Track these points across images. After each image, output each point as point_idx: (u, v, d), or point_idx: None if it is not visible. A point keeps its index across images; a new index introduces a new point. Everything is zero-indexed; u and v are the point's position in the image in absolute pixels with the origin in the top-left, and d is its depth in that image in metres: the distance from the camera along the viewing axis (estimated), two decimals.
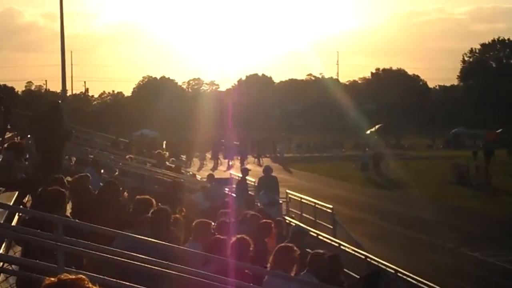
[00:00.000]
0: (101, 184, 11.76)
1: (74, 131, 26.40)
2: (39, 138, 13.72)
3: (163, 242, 6.31)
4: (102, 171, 16.33)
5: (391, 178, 39.14)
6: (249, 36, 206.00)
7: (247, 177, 19.78)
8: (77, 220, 7.02)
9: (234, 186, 21.35)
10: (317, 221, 19.06)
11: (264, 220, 10.63)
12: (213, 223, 8.95)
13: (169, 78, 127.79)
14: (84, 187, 9.83)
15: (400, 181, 36.46)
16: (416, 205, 26.95)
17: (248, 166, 30.98)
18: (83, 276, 2.90)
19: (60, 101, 14.67)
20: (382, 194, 32.28)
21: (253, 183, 21.22)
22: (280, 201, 19.31)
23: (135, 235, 6.39)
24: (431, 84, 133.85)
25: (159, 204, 7.76)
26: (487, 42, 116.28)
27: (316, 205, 19.63)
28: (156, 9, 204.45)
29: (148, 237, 6.33)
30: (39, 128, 13.85)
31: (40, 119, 14.38)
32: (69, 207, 8.85)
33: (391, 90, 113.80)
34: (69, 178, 11.22)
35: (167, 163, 23.55)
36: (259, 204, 17.19)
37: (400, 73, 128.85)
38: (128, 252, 5.61)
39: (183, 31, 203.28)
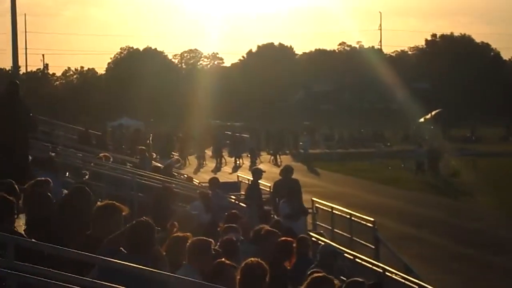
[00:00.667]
0: (64, 191, 11.76)
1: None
2: None
3: (147, 268, 6.28)
4: (67, 174, 16.35)
5: (453, 182, 38.99)
6: None
7: (259, 181, 19.75)
8: (33, 240, 7.01)
9: (243, 192, 21.37)
10: (354, 238, 19.01)
11: (284, 238, 10.62)
12: (214, 242, 8.93)
13: (155, 49, 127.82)
14: (43, 196, 9.82)
15: (465, 185, 36.32)
16: (487, 217, 26.82)
17: (261, 166, 31.01)
18: None
19: (17, 81, 14.64)
20: (441, 203, 32.16)
21: (268, 189, 21.19)
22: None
23: (110, 259, 6.37)
24: (506, 55, 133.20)
25: (144, 218, 7.72)
26: None
27: (353, 218, 19.58)
28: None
29: (124, 260, 6.31)
30: None
31: None
32: (22, 222, 8.85)
33: (452, 64, 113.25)
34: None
35: (154, 163, 23.59)
36: (276, 216, 17.17)
37: (464, 40, 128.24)
38: (99, 282, 5.59)
39: None
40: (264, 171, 21.44)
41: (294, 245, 10.40)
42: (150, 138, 48.47)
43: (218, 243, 9.61)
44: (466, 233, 24.43)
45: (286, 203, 17.47)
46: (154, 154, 31.65)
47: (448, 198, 34.16)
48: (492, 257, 20.25)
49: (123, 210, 7.93)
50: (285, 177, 18.92)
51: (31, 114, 14.96)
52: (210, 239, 8.41)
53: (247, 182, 22.89)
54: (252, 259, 7.61)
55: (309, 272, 9.17)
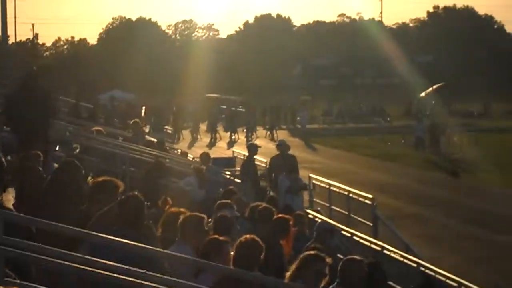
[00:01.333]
0: (55, 165, 11.76)
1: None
2: (14, 121, 14.27)
3: (139, 244, 6.32)
4: (57, 147, 16.34)
5: (455, 158, 39.04)
6: None
7: (255, 157, 19.79)
8: (22, 215, 7.03)
9: (238, 168, 21.42)
10: (352, 216, 19.06)
11: (280, 215, 10.66)
12: (209, 219, 8.95)
13: (149, 20, 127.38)
14: (32, 170, 9.83)
15: (467, 162, 36.36)
16: (491, 195, 26.87)
17: (257, 142, 30.93)
18: None
19: (35, 68, 15.21)
20: (442, 180, 32.22)
21: (264, 165, 21.22)
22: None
23: (99, 234, 6.39)
24: (510, 28, 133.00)
25: (133, 193, 7.75)
26: None
27: (351, 195, 19.61)
28: None
29: (114, 236, 6.34)
30: (12, 107, 14.34)
31: (13, 95, 14.76)
32: (11, 196, 8.86)
33: (455, 36, 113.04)
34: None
35: (146, 136, 23.59)
36: (271, 193, 17.25)
37: (468, 12, 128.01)
38: (91, 258, 5.62)
39: None
40: (260, 146, 21.50)
41: (291, 222, 10.43)
42: (143, 112, 48.48)
43: (212, 220, 9.65)
44: (468, 211, 24.47)
45: (286, 176, 17.55)
46: (146, 128, 31.61)
47: (449, 175, 34.21)
48: (497, 236, 20.31)
49: (119, 187, 7.98)
50: (281, 153, 18.98)
51: (51, 98, 15.28)
52: (203, 215, 8.44)
53: (242, 157, 22.93)
54: (247, 236, 7.64)
55: (304, 249, 9.23)
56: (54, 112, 15.90)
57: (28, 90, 14.03)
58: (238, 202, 12.13)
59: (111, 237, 6.29)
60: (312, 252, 8.11)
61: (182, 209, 8.93)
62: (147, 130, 31.49)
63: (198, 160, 20.21)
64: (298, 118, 58.37)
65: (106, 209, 7.33)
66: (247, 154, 20.39)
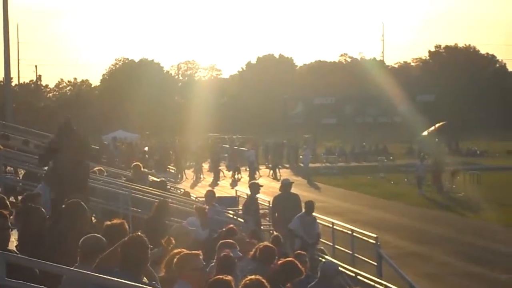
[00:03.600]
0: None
1: (28, 136, 26.60)
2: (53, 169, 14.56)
3: (140, 285, 6.27)
4: None
5: (457, 197, 38.97)
6: (260, 3, 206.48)
7: (258, 195, 19.77)
8: (24, 257, 6.99)
9: (241, 207, 21.38)
10: (356, 255, 18.98)
11: (288, 259, 10.60)
12: (212, 260, 8.91)
13: (152, 61, 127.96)
14: (35, 211, 9.81)
15: (470, 200, 36.27)
16: (493, 234, 26.78)
17: (260, 180, 30.92)
18: None
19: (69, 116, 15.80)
20: (445, 219, 32.12)
21: (267, 204, 21.18)
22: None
23: (101, 276, 6.36)
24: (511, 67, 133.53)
25: (137, 233, 7.72)
26: None
27: (354, 234, 19.56)
28: None
29: (117, 278, 6.31)
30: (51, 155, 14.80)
31: (51, 144, 15.25)
32: (14, 238, 8.84)
33: (457, 76, 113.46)
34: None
35: (150, 177, 23.58)
36: (275, 232, 17.18)
37: (469, 51, 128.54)
38: None
39: None
40: (262, 186, 21.47)
41: (298, 265, 10.37)
42: (146, 152, 48.58)
43: (215, 259, 9.59)
44: (472, 250, 24.37)
45: (301, 219, 17.45)
46: (146, 169, 31.55)
47: (452, 213, 34.13)
48: (500, 275, 20.22)
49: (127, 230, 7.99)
50: (284, 192, 18.95)
51: (87, 145, 15.96)
52: (197, 252, 8.37)
53: (245, 197, 22.90)
54: (252, 276, 7.58)
55: None
56: (89, 154, 16.35)
57: (66, 138, 14.40)
58: (240, 242, 12.07)
59: (114, 279, 6.25)
60: None
61: (185, 250, 8.88)
62: (151, 170, 31.43)
63: (202, 199, 20.15)
64: (301, 156, 58.47)
65: (110, 250, 7.29)
66: (249, 193, 20.37)
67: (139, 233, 7.43)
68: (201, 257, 8.21)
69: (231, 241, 11.49)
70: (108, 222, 8.46)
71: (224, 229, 9.86)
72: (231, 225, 13.23)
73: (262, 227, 20.59)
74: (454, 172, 44.28)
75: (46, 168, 15.56)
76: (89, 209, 11.63)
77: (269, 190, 25.04)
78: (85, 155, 15.23)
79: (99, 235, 7.98)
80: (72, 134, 14.70)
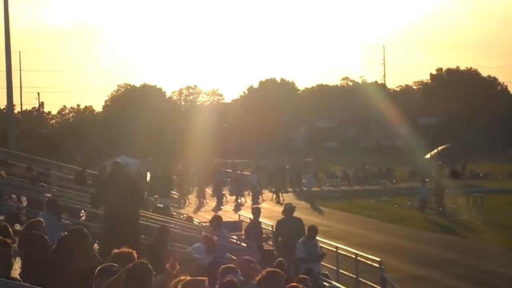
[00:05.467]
0: (62, 233, 11.75)
1: (32, 164, 26.62)
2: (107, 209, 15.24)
3: None
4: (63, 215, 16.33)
5: (460, 219, 38.88)
6: (261, 28, 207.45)
7: (261, 219, 19.77)
8: (27, 285, 6.97)
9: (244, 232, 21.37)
10: (360, 279, 18.92)
11: (292, 285, 10.57)
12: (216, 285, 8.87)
13: (154, 86, 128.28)
14: (38, 238, 9.80)
15: (473, 223, 36.20)
16: (497, 256, 26.68)
17: (264, 205, 30.87)
18: None
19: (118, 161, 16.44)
20: (449, 241, 32.03)
21: (270, 229, 21.15)
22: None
23: None
24: None
25: (141, 260, 7.70)
26: None
27: (358, 258, 19.50)
28: None
29: None
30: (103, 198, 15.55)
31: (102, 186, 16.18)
32: (17, 265, 8.82)
33: (459, 98, 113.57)
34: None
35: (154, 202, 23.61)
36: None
37: (471, 74, 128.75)
38: None
39: (172, 22, 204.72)
40: (261, 209, 21.55)
41: None
42: (148, 177, 48.54)
43: (218, 285, 9.56)
44: (476, 272, 24.28)
45: (303, 242, 17.44)
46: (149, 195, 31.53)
47: (456, 236, 34.03)
48: None
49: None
50: (287, 216, 18.93)
51: (138, 188, 16.30)
52: (203, 278, 8.35)
53: (248, 221, 22.89)
54: None
55: None
56: (142, 201, 16.74)
57: (117, 181, 15.11)
58: (244, 266, 12.02)
59: None
60: None
61: (188, 276, 8.85)
62: (154, 196, 31.39)
63: (206, 224, 20.11)
64: (304, 180, 58.43)
65: (114, 277, 7.27)
66: (252, 217, 20.42)
67: (144, 260, 7.42)
68: (206, 283, 8.19)
69: (232, 265, 11.46)
70: (117, 250, 8.44)
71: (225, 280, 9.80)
72: (230, 279, 13.12)
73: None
74: (455, 195, 44.25)
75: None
76: (92, 236, 11.61)
77: (272, 214, 25.04)
78: (137, 197, 15.64)
79: (113, 264, 7.97)
80: (123, 177, 15.44)
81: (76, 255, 8.90)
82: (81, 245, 9.20)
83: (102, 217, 15.85)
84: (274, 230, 20.06)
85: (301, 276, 13.17)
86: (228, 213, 40.14)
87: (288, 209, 19.31)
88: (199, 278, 8.35)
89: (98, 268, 7.91)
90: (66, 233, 10.90)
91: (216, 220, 18.35)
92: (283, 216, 19.24)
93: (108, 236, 14.43)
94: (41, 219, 11.37)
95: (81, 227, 10.13)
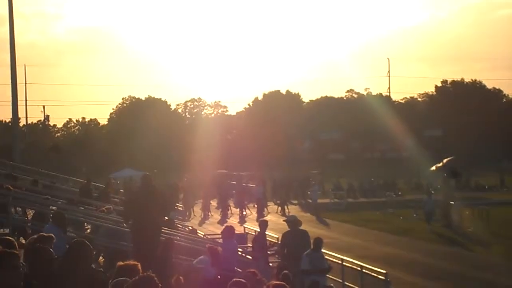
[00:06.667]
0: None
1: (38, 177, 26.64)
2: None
3: None
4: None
5: (466, 232, 38.79)
6: (266, 41, 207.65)
7: (266, 232, 19.74)
8: None
9: (250, 244, 21.34)
10: None
11: None
12: None
13: (159, 99, 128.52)
14: (43, 251, 9.77)
15: (479, 236, 36.12)
16: (504, 269, 26.61)
17: (269, 217, 30.82)
18: None
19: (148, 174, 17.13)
20: (455, 254, 31.96)
21: (275, 241, 21.13)
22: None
23: None
24: None
25: (147, 273, 7.68)
26: None
27: (364, 270, 19.46)
28: (139, 11, 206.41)
29: None
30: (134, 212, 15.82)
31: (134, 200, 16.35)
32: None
33: (464, 110, 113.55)
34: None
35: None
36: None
37: (476, 86, 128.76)
38: None
39: (176, 37, 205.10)
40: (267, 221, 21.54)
41: None
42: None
43: None
44: (482, 285, 24.22)
45: (308, 255, 17.40)
46: None
47: (462, 248, 33.96)
48: None
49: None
50: (292, 228, 18.91)
51: (166, 202, 17.27)
52: None
53: (254, 233, 22.87)
54: None
55: None
56: (166, 211, 17.12)
57: (148, 195, 15.39)
58: (250, 279, 11.97)
59: None
60: None
61: None
62: None
63: (210, 237, 20.11)
64: (309, 193, 58.29)
65: None
66: (258, 230, 20.39)
67: (150, 273, 7.41)
68: None
69: (242, 281, 11.43)
70: (121, 263, 8.42)
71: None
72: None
73: (270, 264, 20.55)
74: (461, 208, 44.12)
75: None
76: (96, 248, 11.61)
77: (277, 226, 24.96)
78: (164, 212, 16.38)
79: (126, 278, 7.97)
80: (154, 191, 15.74)
81: (78, 268, 8.88)
82: (83, 257, 9.17)
83: (130, 228, 16.19)
84: (279, 242, 20.03)
85: None
86: (235, 226, 40.10)
87: (291, 222, 19.31)
88: None
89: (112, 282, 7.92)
90: (68, 246, 10.86)
91: (228, 231, 18.45)
92: (288, 229, 19.23)
93: (138, 246, 14.89)
94: (52, 235, 11.35)
95: (83, 239, 10.11)
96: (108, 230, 17.82)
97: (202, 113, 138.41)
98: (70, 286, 8.20)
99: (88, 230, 17.59)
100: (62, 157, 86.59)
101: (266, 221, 21.31)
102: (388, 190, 63.54)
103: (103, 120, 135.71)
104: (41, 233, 11.44)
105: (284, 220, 20.62)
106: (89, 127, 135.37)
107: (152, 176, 16.55)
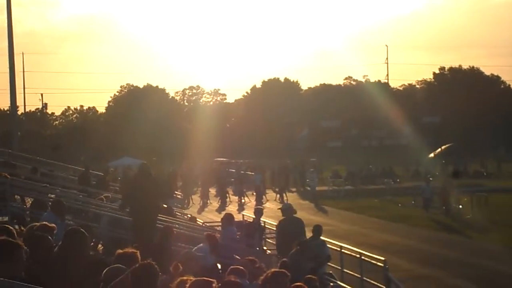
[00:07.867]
0: None
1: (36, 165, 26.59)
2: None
3: None
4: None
5: (465, 219, 38.82)
6: (264, 28, 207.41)
7: (261, 219, 19.78)
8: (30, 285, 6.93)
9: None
10: (365, 279, 18.87)
11: (298, 284, 10.54)
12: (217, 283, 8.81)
13: (157, 87, 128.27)
14: (42, 239, 9.75)
15: (477, 222, 36.15)
16: (501, 255, 26.63)
17: (267, 204, 30.78)
18: None
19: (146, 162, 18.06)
20: (453, 241, 32.00)
21: (274, 228, 21.13)
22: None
23: None
24: None
25: (147, 261, 7.67)
26: None
27: (363, 257, 19.45)
28: None
29: None
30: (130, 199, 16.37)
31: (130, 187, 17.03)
32: None
33: (462, 97, 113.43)
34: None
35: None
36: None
37: (474, 73, 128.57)
38: None
39: (174, 24, 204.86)
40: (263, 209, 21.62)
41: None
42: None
43: (220, 285, 9.51)
44: (480, 272, 24.22)
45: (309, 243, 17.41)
46: None
47: (460, 235, 34.00)
48: None
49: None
50: (287, 217, 18.92)
51: (162, 190, 18.15)
52: (212, 279, 8.31)
53: (251, 221, 22.90)
54: None
55: None
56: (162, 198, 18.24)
57: (144, 183, 15.81)
58: (247, 267, 11.97)
59: None
60: None
61: (191, 277, 8.80)
62: None
63: (209, 224, 20.13)
64: (307, 180, 58.28)
65: (120, 277, 7.25)
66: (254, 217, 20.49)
67: (150, 261, 7.39)
68: (214, 285, 8.14)
69: (241, 268, 11.41)
70: (120, 251, 8.41)
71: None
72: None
73: (268, 252, 20.58)
74: (459, 194, 44.14)
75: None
76: (95, 236, 11.58)
77: (275, 214, 24.96)
78: (160, 199, 16.96)
79: (121, 265, 7.94)
80: (150, 179, 16.08)
81: (75, 255, 8.86)
82: (78, 245, 9.14)
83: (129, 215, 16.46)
84: (276, 229, 20.05)
85: (308, 276, 13.08)
86: (234, 214, 40.11)
87: (285, 209, 19.34)
88: (207, 279, 8.30)
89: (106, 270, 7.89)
90: (65, 233, 10.83)
91: (227, 218, 18.66)
92: (283, 217, 19.26)
93: (138, 231, 15.35)
94: (54, 225, 11.31)
95: (79, 227, 10.08)
96: (111, 219, 17.83)
97: (201, 101, 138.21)
98: (67, 273, 8.18)
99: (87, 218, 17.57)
100: (60, 146, 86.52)
101: (261, 209, 21.37)
102: (386, 177, 63.57)
103: (101, 108, 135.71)
104: (44, 223, 11.40)
105: (278, 208, 20.70)
106: (87, 115, 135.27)
107: (149, 164, 16.71)
